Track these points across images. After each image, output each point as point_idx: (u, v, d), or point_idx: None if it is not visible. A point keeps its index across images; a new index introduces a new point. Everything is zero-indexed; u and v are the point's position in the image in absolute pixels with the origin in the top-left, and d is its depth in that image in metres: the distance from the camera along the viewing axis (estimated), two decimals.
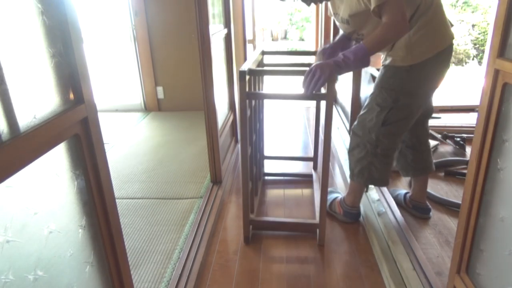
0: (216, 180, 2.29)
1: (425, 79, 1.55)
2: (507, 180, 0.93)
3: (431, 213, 1.91)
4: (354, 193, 1.88)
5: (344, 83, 3.28)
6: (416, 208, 1.91)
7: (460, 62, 7.52)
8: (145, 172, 2.53)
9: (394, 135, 1.65)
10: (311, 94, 1.45)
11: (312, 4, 1.58)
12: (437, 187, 2.18)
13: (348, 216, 1.93)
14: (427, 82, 1.56)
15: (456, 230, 1.16)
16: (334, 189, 2.19)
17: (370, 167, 1.72)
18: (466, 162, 2.40)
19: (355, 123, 1.74)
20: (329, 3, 1.64)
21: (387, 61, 1.57)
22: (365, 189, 1.89)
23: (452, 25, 1.59)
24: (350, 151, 1.78)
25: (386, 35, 1.37)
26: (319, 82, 1.41)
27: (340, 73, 1.47)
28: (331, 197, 2.04)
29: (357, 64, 1.41)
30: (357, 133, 1.72)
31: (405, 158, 1.87)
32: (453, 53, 1.68)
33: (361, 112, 1.71)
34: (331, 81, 1.48)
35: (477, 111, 1.02)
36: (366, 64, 1.43)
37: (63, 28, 0.72)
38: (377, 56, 3.01)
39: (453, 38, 1.56)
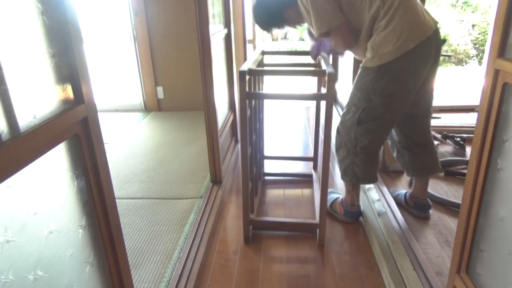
0: (216, 180, 2.29)
1: (395, 79, 1.55)
2: (507, 180, 0.93)
3: (430, 211, 1.91)
4: (350, 192, 1.89)
5: (344, 83, 3.28)
6: (416, 205, 1.91)
7: (460, 62, 7.52)
8: (145, 172, 2.53)
9: (371, 134, 1.66)
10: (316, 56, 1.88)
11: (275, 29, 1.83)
12: (437, 187, 2.18)
13: (349, 215, 1.93)
14: (398, 82, 1.56)
15: (456, 230, 1.16)
16: (334, 189, 2.19)
17: (352, 166, 1.76)
18: (466, 162, 2.40)
19: (338, 123, 1.79)
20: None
21: (362, 63, 1.65)
22: (356, 186, 1.90)
23: (434, 22, 1.56)
24: (336, 151, 1.84)
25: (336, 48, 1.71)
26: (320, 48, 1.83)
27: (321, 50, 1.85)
28: (332, 197, 2.04)
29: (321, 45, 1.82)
30: (339, 133, 1.78)
31: (403, 159, 1.88)
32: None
33: (342, 112, 1.78)
34: (330, 81, 1.48)
35: (477, 111, 1.02)
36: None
37: (63, 28, 0.72)
38: None
39: (424, 36, 1.50)
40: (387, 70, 1.53)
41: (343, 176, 1.83)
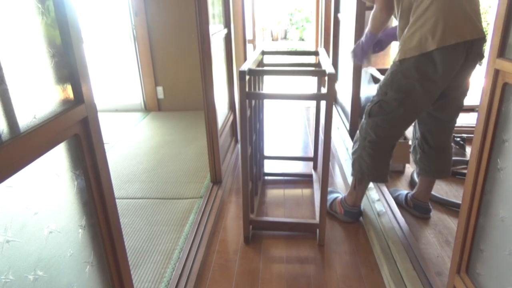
0: (216, 180, 2.29)
1: (412, 77, 1.49)
2: (507, 180, 0.93)
3: (431, 213, 1.91)
4: (354, 191, 1.85)
5: (344, 83, 3.28)
6: (417, 207, 1.91)
7: None
8: (145, 172, 2.53)
9: (379, 128, 1.62)
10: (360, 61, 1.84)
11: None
12: (437, 187, 2.18)
13: (349, 215, 1.92)
14: (415, 81, 1.49)
15: (456, 230, 1.16)
16: (334, 189, 2.18)
17: (359, 160, 1.72)
18: (466, 162, 2.40)
19: None
20: None
21: None
22: (362, 183, 1.82)
23: (476, 31, 1.42)
24: (353, 144, 1.81)
25: (374, 16, 1.65)
26: (358, 57, 1.81)
27: (364, 49, 1.76)
28: (331, 196, 2.03)
29: (366, 41, 1.73)
30: (360, 127, 1.76)
31: (415, 155, 1.87)
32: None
33: None
34: (330, 81, 1.48)
35: (477, 111, 1.02)
36: (372, 41, 1.72)
37: (63, 28, 0.72)
38: (376, 56, 3.00)
39: (450, 41, 1.40)
40: (407, 66, 1.49)
41: (352, 170, 1.80)
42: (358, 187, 1.84)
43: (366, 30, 1.73)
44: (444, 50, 1.42)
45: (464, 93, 1.66)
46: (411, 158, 1.94)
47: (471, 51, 1.45)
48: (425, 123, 1.75)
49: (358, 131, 1.75)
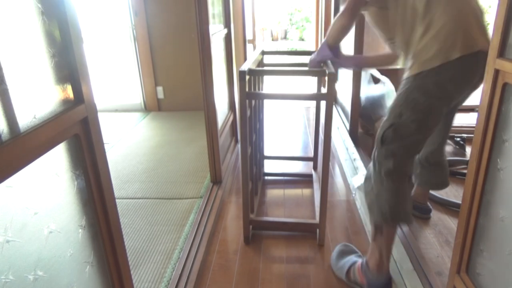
0: (216, 180, 2.29)
1: (431, 91, 1.29)
2: (507, 180, 0.93)
3: (431, 214, 1.91)
4: (378, 249, 1.40)
5: (344, 83, 3.28)
6: (416, 208, 1.91)
7: None
8: (145, 172, 2.53)
9: (397, 157, 1.33)
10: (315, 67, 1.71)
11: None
12: None
13: (374, 286, 1.42)
14: (434, 96, 1.30)
15: (456, 230, 1.16)
16: (348, 245, 1.68)
17: (379, 200, 1.36)
18: (466, 162, 2.40)
19: None
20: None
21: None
22: (386, 236, 1.40)
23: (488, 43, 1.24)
24: (364, 182, 1.48)
25: (334, 22, 1.50)
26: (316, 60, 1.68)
27: (313, 64, 1.70)
28: (348, 260, 1.56)
29: (320, 53, 1.62)
30: (372, 159, 1.45)
31: (415, 170, 1.85)
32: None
33: None
34: (330, 81, 1.48)
35: (477, 111, 1.02)
36: (328, 53, 1.60)
37: (63, 28, 0.72)
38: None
39: (473, 48, 1.25)
40: (423, 81, 1.29)
41: (371, 215, 1.42)
42: (380, 239, 1.40)
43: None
44: (468, 58, 1.26)
45: (456, 110, 1.63)
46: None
47: (481, 63, 1.19)
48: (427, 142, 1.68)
49: (369, 166, 1.45)
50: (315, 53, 1.70)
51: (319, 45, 1.67)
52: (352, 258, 1.57)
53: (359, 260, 1.51)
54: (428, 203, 1.92)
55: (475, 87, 1.42)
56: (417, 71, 1.29)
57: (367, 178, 1.45)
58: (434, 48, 1.27)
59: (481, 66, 1.22)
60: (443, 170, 1.80)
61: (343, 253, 1.62)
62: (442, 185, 1.85)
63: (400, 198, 1.35)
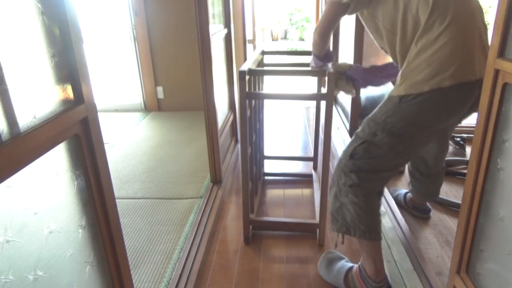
0: (216, 180, 2.29)
1: (413, 119, 1.22)
2: (507, 180, 0.93)
3: (431, 213, 1.91)
4: (370, 254, 1.37)
5: None
6: (415, 209, 1.91)
7: None
8: (145, 172, 2.53)
9: (362, 172, 1.30)
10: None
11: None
12: None
13: None
14: (415, 125, 1.23)
15: (456, 230, 1.16)
16: (332, 252, 1.64)
17: (342, 209, 1.36)
18: (466, 162, 2.40)
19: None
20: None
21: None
22: (367, 244, 1.36)
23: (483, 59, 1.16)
24: (329, 189, 1.49)
25: (313, 35, 1.50)
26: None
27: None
28: (340, 267, 1.53)
29: (314, 63, 1.61)
30: (336, 167, 1.40)
31: (410, 177, 1.87)
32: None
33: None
34: (330, 81, 1.48)
35: (477, 111, 1.02)
36: (320, 63, 1.58)
37: (63, 28, 0.72)
38: (378, 55, 2.99)
39: (469, 77, 1.16)
40: (408, 106, 1.21)
41: (332, 225, 1.41)
42: (366, 251, 1.38)
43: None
44: (461, 87, 1.16)
45: (450, 135, 1.58)
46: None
47: (479, 90, 1.07)
48: (418, 156, 1.71)
49: (333, 175, 1.41)
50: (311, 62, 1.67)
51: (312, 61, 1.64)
52: (343, 264, 1.53)
53: (354, 265, 1.48)
54: (428, 203, 1.92)
55: (468, 113, 1.34)
56: (404, 93, 1.21)
57: (330, 188, 1.43)
58: (426, 70, 1.17)
59: (477, 94, 1.12)
60: (435, 182, 1.79)
61: (331, 261, 1.57)
62: (431, 196, 1.85)
63: (363, 212, 1.31)
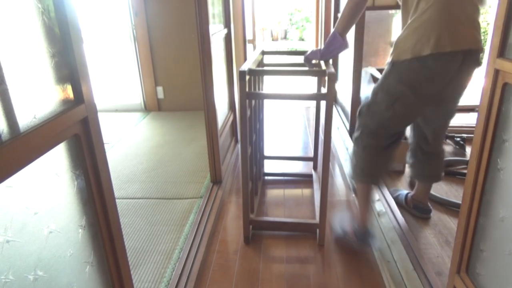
0: (216, 180, 2.29)
1: (403, 81, 1.43)
2: (507, 180, 0.93)
3: (431, 214, 1.91)
4: (361, 197, 1.71)
5: (344, 83, 3.28)
6: (416, 208, 1.91)
7: None
8: (145, 172, 2.53)
9: (367, 129, 1.60)
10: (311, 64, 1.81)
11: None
12: (437, 187, 2.18)
13: (358, 236, 1.74)
14: (405, 86, 1.43)
15: (456, 230, 1.16)
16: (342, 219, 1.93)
17: (352, 157, 1.72)
18: (466, 162, 2.40)
19: None
20: None
21: None
22: (362, 191, 1.71)
23: (473, 41, 1.35)
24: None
25: (345, 6, 1.54)
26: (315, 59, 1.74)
27: (325, 57, 1.71)
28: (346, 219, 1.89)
29: (329, 45, 1.65)
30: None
31: (410, 160, 1.88)
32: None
33: None
34: (330, 81, 1.48)
35: (477, 111, 1.02)
36: (338, 43, 1.63)
37: (63, 28, 0.72)
38: (379, 55, 3.00)
39: (446, 48, 1.32)
40: (399, 70, 1.44)
41: (350, 168, 1.76)
42: (358, 194, 1.73)
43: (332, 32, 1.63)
44: (439, 57, 1.34)
45: (457, 99, 1.61)
46: (407, 161, 1.93)
47: (467, 60, 1.37)
48: (419, 130, 1.75)
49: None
50: (322, 48, 1.70)
51: (327, 40, 1.66)
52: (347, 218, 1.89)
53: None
54: (429, 204, 1.92)
55: (460, 84, 1.50)
56: (395, 59, 1.43)
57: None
58: (411, 41, 1.36)
59: (456, 64, 1.36)
60: (436, 162, 1.81)
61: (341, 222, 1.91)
62: (433, 178, 1.86)
63: (364, 163, 1.65)
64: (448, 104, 1.61)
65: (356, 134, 1.65)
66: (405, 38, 1.39)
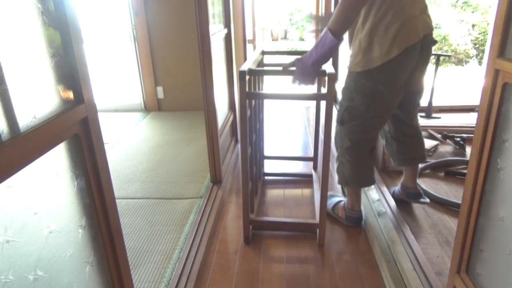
0: (216, 180, 2.29)
1: (377, 81, 1.50)
2: (507, 180, 0.93)
3: (427, 199, 1.93)
4: (350, 195, 1.86)
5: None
6: (408, 194, 1.93)
7: (460, 62, 7.52)
8: (145, 172, 2.53)
9: (354, 134, 1.64)
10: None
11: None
12: (437, 187, 2.18)
13: (349, 220, 1.90)
14: (380, 85, 1.51)
15: (456, 230, 1.16)
16: (334, 192, 2.16)
17: (341, 167, 1.77)
18: (466, 162, 2.40)
19: None
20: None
21: (348, 65, 1.60)
22: (354, 189, 1.84)
23: (426, 26, 1.47)
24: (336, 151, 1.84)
25: (342, 4, 1.32)
26: (305, 85, 1.55)
27: (316, 67, 1.44)
28: (333, 200, 2.01)
29: (323, 48, 1.38)
30: (335, 134, 1.79)
31: (391, 148, 1.91)
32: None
33: None
34: (330, 81, 1.48)
35: (477, 111, 1.02)
36: (334, 43, 1.35)
37: (63, 28, 0.72)
38: None
39: (411, 42, 1.42)
40: (369, 74, 1.50)
41: (338, 178, 1.84)
42: (349, 191, 1.87)
43: (322, 33, 1.40)
44: (406, 52, 1.44)
45: (419, 92, 1.72)
46: (387, 152, 1.99)
47: (425, 43, 1.49)
48: (394, 116, 1.79)
49: (335, 139, 1.79)
50: (309, 53, 1.45)
51: (319, 41, 1.41)
52: (336, 198, 2.02)
53: (343, 201, 1.95)
54: (419, 188, 1.93)
55: (425, 64, 1.59)
56: (365, 69, 1.48)
57: (337, 148, 1.78)
58: (379, 48, 1.43)
59: (417, 51, 1.47)
60: (418, 141, 1.86)
61: (331, 197, 2.04)
62: (420, 158, 1.89)
63: (358, 168, 1.72)
64: (417, 83, 1.66)
65: (345, 144, 1.69)
66: (370, 47, 1.45)
